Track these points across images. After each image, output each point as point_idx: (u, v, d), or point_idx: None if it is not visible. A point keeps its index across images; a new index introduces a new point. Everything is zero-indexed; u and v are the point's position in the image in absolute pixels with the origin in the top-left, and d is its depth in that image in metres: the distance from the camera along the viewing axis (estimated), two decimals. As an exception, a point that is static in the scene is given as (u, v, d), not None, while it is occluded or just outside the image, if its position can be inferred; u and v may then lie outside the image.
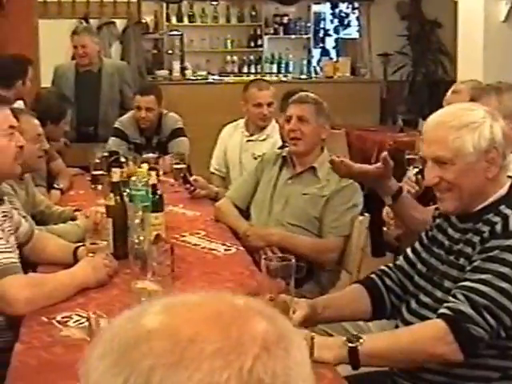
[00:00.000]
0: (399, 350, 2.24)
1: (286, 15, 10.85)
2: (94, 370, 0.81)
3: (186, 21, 10.54)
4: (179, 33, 10.19)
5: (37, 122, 3.88)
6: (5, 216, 2.90)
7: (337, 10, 11.21)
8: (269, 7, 10.71)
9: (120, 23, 8.92)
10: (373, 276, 2.66)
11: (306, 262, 3.76)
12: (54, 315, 2.58)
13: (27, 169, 3.76)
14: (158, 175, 3.73)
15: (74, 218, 3.84)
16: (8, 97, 3.30)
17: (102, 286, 2.88)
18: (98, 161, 4.92)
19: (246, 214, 4.10)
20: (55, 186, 4.81)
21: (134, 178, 3.59)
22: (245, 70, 10.72)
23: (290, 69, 10.80)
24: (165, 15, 10.30)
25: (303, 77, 10.46)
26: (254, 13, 10.70)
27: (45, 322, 2.54)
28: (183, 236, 3.69)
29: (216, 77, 10.26)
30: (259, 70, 10.71)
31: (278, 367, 0.80)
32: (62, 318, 2.57)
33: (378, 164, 2.93)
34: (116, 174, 3.39)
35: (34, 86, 6.30)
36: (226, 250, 3.49)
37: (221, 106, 8.00)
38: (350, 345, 2.18)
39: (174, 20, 10.45)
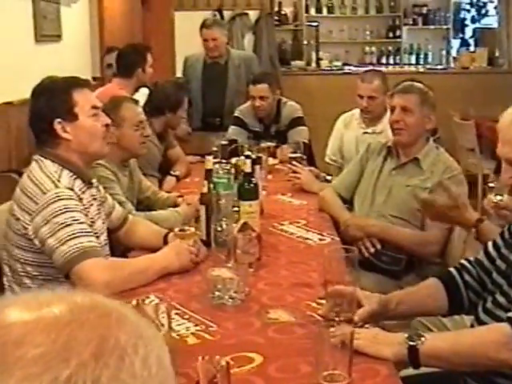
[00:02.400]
0: (460, 353, 2.08)
1: (425, 5, 10.64)
2: None
3: (324, 12, 10.57)
4: (315, 24, 10.17)
5: (139, 109, 3.94)
6: (93, 199, 2.95)
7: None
8: (408, -3, 10.56)
9: (253, 14, 8.96)
10: (452, 270, 2.54)
11: (407, 255, 3.68)
12: (131, 299, 2.61)
13: (129, 155, 3.85)
14: (257, 164, 3.71)
15: (177, 205, 3.91)
16: (87, 79, 3.37)
17: (185, 272, 2.88)
18: (215, 149, 4.96)
19: (350, 204, 4.05)
20: (171, 172, 4.92)
21: (217, 166, 3.60)
22: (383, 60, 10.61)
23: (429, 60, 10.58)
24: (304, 6, 10.36)
25: (439, 67, 10.19)
26: (392, 3, 10.58)
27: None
28: (282, 225, 3.68)
29: (353, 67, 10.15)
30: (398, 61, 10.59)
31: (104, 378, 0.69)
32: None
33: None
34: (209, 162, 3.42)
35: (166, 76, 6.43)
36: (320, 239, 3.44)
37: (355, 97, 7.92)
38: (411, 343, 2.06)
39: (312, 11, 10.48)
